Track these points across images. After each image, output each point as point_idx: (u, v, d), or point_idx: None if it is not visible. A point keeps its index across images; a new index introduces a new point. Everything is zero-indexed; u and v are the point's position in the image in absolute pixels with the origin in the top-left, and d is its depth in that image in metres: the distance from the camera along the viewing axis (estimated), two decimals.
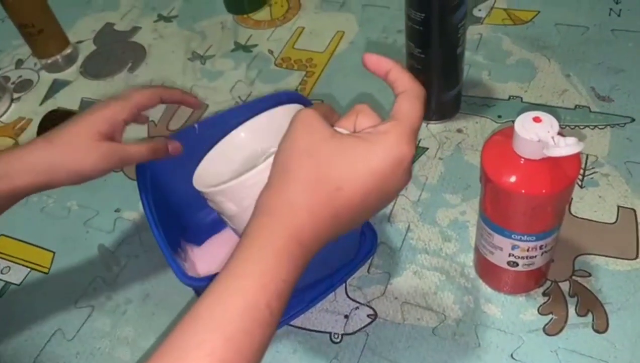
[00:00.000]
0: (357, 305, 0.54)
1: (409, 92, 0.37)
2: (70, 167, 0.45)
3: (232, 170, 0.48)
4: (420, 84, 0.37)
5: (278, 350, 0.52)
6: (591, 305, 0.51)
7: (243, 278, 0.32)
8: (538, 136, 0.40)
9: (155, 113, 0.76)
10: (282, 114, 0.47)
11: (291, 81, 0.76)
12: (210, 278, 0.47)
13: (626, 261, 0.53)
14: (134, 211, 0.65)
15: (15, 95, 0.83)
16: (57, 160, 0.45)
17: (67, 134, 0.46)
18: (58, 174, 0.45)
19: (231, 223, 0.45)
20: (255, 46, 0.83)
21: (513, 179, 0.42)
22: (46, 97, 0.82)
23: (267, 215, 0.35)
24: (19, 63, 0.88)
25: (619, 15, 0.76)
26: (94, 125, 0.46)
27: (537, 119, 0.41)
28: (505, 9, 0.80)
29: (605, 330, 0.49)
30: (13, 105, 0.81)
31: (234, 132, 0.50)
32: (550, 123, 0.41)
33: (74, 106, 0.79)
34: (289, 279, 0.33)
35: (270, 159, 0.37)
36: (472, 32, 0.77)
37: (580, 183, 0.59)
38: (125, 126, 0.49)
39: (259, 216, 0.35)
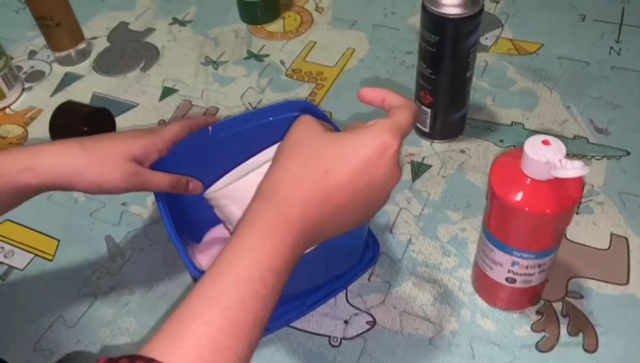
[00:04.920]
0: (357, 311, 0.55)
1: (401, 105, 0.41)
2: (91, 176, 0.47)
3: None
4: (413, 102, 0.41)
5: (277, 350, 0.53)
6: (582, 326, 0.53)
7: (236, 255, 0.35)
8: (546, 157, 0.42)
9: (167, 113, 0.77)
10: None
11: (301, 91, 0.78)
12: None
13: (617, 286, 0.56)
14: (140, 205, 0.66)
15: (27, 85, 0.84)
16: (82, 167, 0.47)
17: (101, 146, 0.48)
18: (78, 180, 0.47)
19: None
20: (268, 55, 0.85)
21: (519, 197, 0.45)
22: (57, 89, 0.83)
23: (260, 198, 0.38)
24: (32, 54, 0.89)
25: (619, 54, 0.79)
26: (129, 146, 0.48)
27: (546, 142, 0.43)
28: (511, 39, 0.83)
29: (595, 351, 0.51)
30: (24, 94, 0.82)
31: (251, 159, 0.52)
32: (558, 147, 0.43)
33: (85, 99, 0.80)
34: (281, 254, 0.35)
35: (266, 165, 0.40)
36: (479, 59, 0.80)
37: (576, 209, 0.62)
38: (158, 157, 0.51)
39: (253, 200, 0.38)
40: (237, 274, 0.34)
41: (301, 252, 0.37)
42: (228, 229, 0.46)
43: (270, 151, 0.49)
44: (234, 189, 0.43)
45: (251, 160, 0.51)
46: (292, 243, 0.36)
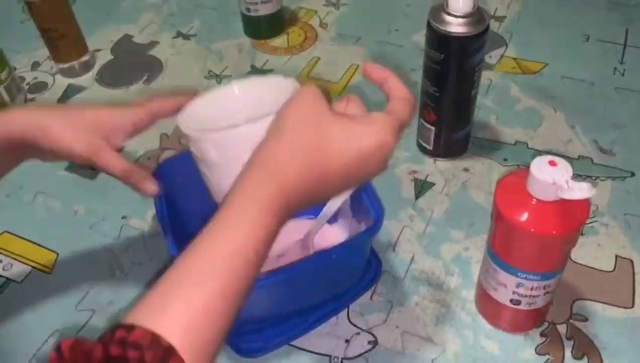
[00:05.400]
0: (359, 330, 0.55)
1: (403, 97, 0.41)
2: (52, 137, 0.45)
3: (216, 121, 0.45)
4: (412, 92, 0.42)
5: None
6: (587, 349, 0.52)
7: (233, 225, 0.35)
8: (553, 178, 0.42)
9: (169, 126, 0.77)
10: (275, 86, 0.45)
11: None
12: None
13: (622, 309, 0.55)
14: (140, 219, 0.66)
15: (29, 95, 0.83)
16: (49, 125, 0.45)
17: (77, 113, 0.47)
18: (41, 137, 0.45)
19: (208, 171, 0.43)
20: (271, 70, 0.85)
21: (524, 217, 0.44)
22: (60, 100, 0.82)
23: (259, 168, 0.37)
24: (35, 65, 0.89)
25: (622, 75, 0.79)
26: (102, 120, 0.46)
27: (552, 163, 0.43)
28: (515, 58, 0.83)
29: None
30: (27, 105, 0.82)
31: (226, 86, 0.48)
32: (565, 168, 0.43)
33: None
34: (273, 225, 0.36)
35: (268, 119, 0.39)
36: (483, 78, 0.79)
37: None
38: (134, 131, 0.48)
39: (251, 168, 0.37)
40: (232, 245, 0.34)
41: (285, 222, 0.37)
42: (199, 166, 0.44)
43: (254, 95, 0.46)
44: (220, 137, 0.41)
45: (229, 92, 0.48)
46: (284, 216, 0.36)
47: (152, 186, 0.47)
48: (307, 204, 0.39)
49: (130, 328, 0.29)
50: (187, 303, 0.31)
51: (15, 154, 0.47)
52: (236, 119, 0.43)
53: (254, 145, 0.38)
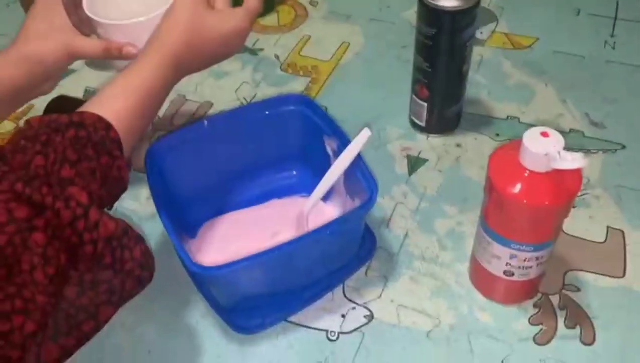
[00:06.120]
0: (354, 305, 0.55)
1: None
2: (36, 54, 0.53)
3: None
4: None
5: (274, 344, 0.53)
6: (579, 319, 0.53)
7: (142, 76, 0.48)
8: (545, 149, 0.42)
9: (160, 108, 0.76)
10: None
11: (296, 86, 0.78)
12: (218, 268, 0.48)
13: (614, 279, 0.56)
14: (135, 201, 0.66)
15: None
16: (29, 51, 0.53)
17: (34, 29, 0.55)
18: (31, 65, 0.53)
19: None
20: (262, 50, 0.84)
21: (517, 189, 0.44)
22: None
23: (155, 41, 0.50)
24: None
25: (613, 48, 0.80)
26: (52, 15, 0.55)
27: (544, 134, 0.43)
28: (506, 34, 0.83)
29: (592, 343, 0.51)
30: None
31: None
32: (557, 139, 0.43)
33: (78, 94, 0.79)
34: (168, 78, 0.50)
35: (163, 10, 0.51)
36: (474, 53, 0.79)
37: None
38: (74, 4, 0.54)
39: (150, 42, 0.50)
40: (145, 84, 0.47)
41: (179, 77, 0.52)
42: (98, 34, 0.54)
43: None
44: (126, 27, 0.52)
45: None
46: (176, 73, 0.51)
47: (129, 48, 0.54)
48: (190, 68, 0.53)
49: (81, 113, 0.42)
50: (115, 105, 0.45)
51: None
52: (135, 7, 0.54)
53: (152, 29, 0.51)
